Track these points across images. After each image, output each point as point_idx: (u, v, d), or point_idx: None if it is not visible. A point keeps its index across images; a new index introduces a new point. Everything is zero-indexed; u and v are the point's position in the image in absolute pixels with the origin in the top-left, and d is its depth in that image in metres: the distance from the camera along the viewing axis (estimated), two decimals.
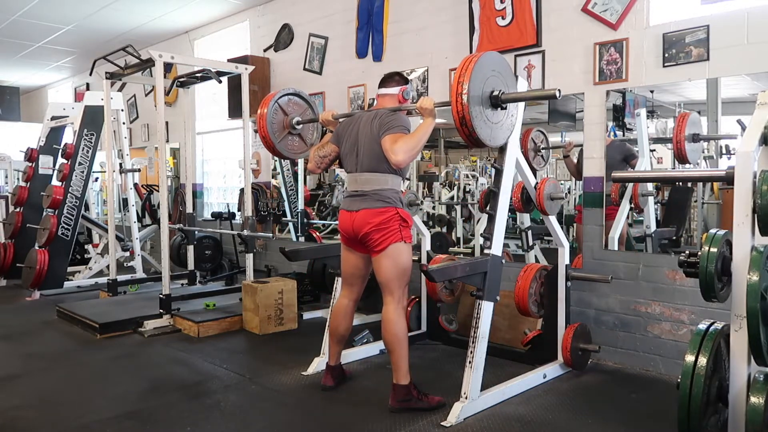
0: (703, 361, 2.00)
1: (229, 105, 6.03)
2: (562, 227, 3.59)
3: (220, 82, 5.17)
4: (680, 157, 3.39)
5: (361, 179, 3.05)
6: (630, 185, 3.70)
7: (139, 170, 7.34)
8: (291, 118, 3.61)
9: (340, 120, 3.34)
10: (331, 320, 3.39)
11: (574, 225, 4.19)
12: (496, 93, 2.65)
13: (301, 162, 6.06)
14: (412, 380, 2.98)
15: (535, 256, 4.35)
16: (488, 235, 3.03)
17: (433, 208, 5.15)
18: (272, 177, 6.26)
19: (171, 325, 4.62)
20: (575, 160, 4.00)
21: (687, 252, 2.16)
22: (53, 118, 7.02)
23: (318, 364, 3.55)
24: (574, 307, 3.73)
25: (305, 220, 6.02)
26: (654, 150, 3.77)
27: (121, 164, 6.80)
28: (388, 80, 3.21)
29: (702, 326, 2.13)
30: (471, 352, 2.89)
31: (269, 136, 3.51)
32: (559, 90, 2.67)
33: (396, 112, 3.04)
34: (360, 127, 3.10)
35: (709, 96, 3.40)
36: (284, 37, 6.05)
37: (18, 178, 7.64)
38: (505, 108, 2.73)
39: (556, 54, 3.97)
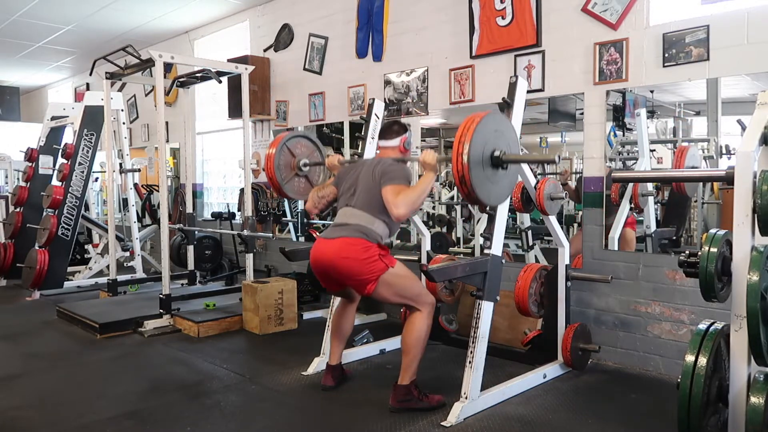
0: (703, 361, 2.00)
1: (229, 105, 6.03)
2: (562, 227, 3.59)
3: (220, 82, 5.17)
4: (679, 191, 3.46)
5: (349, 212, 3.04)
6: (630, 185, 3.70)
7: (139, 170, 7.34)
8: (298, 160, 3.66)
9: (346, 165, 3.38)
10: (333, 319, 3.40)
11: (574, 225, 4.19)
12: (497, 154, 2.62)
13: None
14: (414, 380, 2.98)
15: (535, 256, 4.35)
16: (488, 235, 3.03)
17: (433, 208, 5.15)
18: None
19: (171, 325, 4.62)
20: (573, 186, 4.02)
21: (687, 252, 2.15)
22: (53, 118, 7.02)
23: (318, 364, 3.55)
24: (574, 307, 3.73)
25: (305, 220, 6.02)
26: (654, 150, 3.77)
27: (121, 164, 6.80)
28: (387, 132, 3.24)
29: (702, 326, 2.13)
30: (471, 352, 2.89)
31: (275, 177, 3.53)
32: (558, 156, 2.77)
33: (398, 163, 3.07)
34: (362, 171, 3.12)
35: (709, 96, 3.40)
36: (284, 37, 6.05)
37: (18, 178, 7.64)
38: (506, 168, 2.73)
39: (556, 54, 3.97)
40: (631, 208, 3.78)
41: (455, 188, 5.12)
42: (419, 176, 3.06)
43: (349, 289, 3.20)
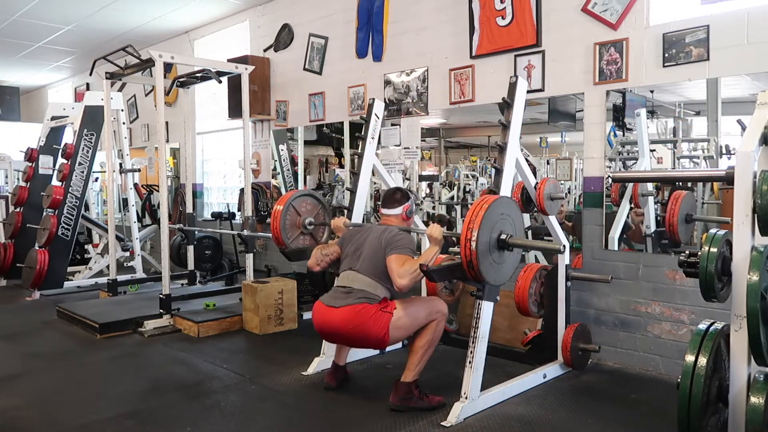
0: (703, 361, 2.00)
1: (229, 105, 6.02)
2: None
3: (220, 82, 5.17)
4: (672, 237, 3.46)
5: (353, 277, 3.08)
6: (630, 185, 3.70)
7: (139, 170, 7.34)
8: (303, 219, 3.69)
9: (350, 228, 3.42)
10: None
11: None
12: (503, 237, 2.72)
13: (300, 162, 6.07)
14: (416, 380, 2.98)
15: (535, 256, 4.35)
16: None
17: (433, 208, 5.15)
18: (272, 177, 6.26)
19: (171, 325, 4.62)
20: (570, 223, 4.03)
21: (687, 252, 2.16)
22: (53, 118, 7.02)
23: (318, 364, 3.55)
24: (574, 307, 3.73)
25: None
26: (654, 150, 3.77)
27: (121, 164, 6.80)
28: (389, 200, 3.30)
29: (702, 326, 2.13)
30: (471, 352, 2.89)
31: (281, 237, 3.58)
32: (564, 246, 2.92)
33: (404, 233, 3.13)
34: (369, 236, 3.15)
35: (709, 96, 3.40)
36: (284, 37, 6.05)
37: (18, 178, 7.64)
38: (511, 250, 2.79)
39: (556, 54, 3.97)
40: (631, 208, 3.78)
41: (455, 188, 5.12)
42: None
43: None
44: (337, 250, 3.31)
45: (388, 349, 3.96)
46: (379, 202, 3.49)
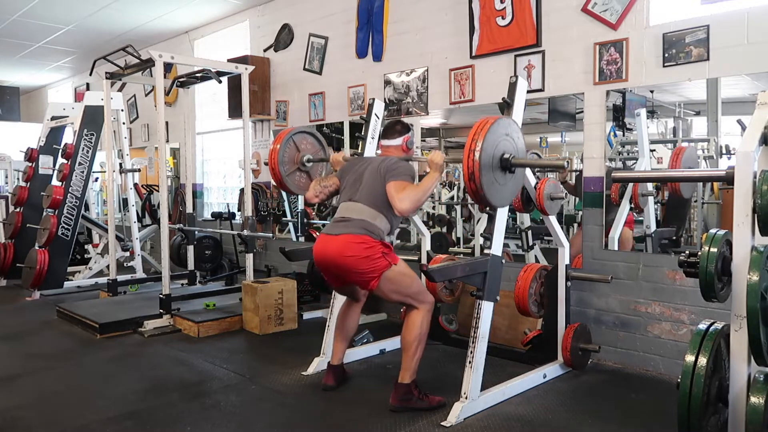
0: (703, 361, 2.00)
1: (229, 105, 6.03)
2: (561, 227, 3.59)
3: (220, 82, 5.17)
4: (674, 192, 3.46)
5: (352, 207, 3.05)
6: (630, 185, 3.70)
7: (139, 170, 7.34)
8: (302, 155, 3.68)
9: (350, 160, 3.40)
10: (337, 318, 3.40)
11: (574, 225, 4.19)
12: (506, 156, 2.70)
13: None
14: (415, 380, 2.98)
15: (535, 256, 4.35)
16: (488, 235, 3.03)
17: (433, 208, 5.15)
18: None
19: (171, 325, 4.62)
20: (573, 183, 4.02)
21: (687, 252, 2.15)
22: (53, 118, 7.02)
23: (318, 364, 3.55)
24: (574, 307, 3.73)
25: (305, 220, 6.02)
26: (654, 150, 3.77)
27: (121, 164, 6.80)
28: (390, 131, 3.26)
29: (702, 326, 2.13)
30: (471, 352, 2.89)
31: (278, 168, 3.56)
32: (568, 161, 2.83)
33: (404, 161, 3.09)
34: (368, 166, 3.13)
35: (709, 96, 3.40)
36: (284, 37, 6.05)
37: (18, 178, 7.64)
38: (513, 172, 2.78)
39: (556, 54, 3.97)
40: (631, 208, 3.78)
41: (455, 188, 5.12)
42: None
43: (353, 287, 3.21)
44: (336, 181, 3.26)
45: (388, 348, 3.97)
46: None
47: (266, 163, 3.65)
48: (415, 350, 2.95)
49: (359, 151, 3.82)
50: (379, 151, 3.36)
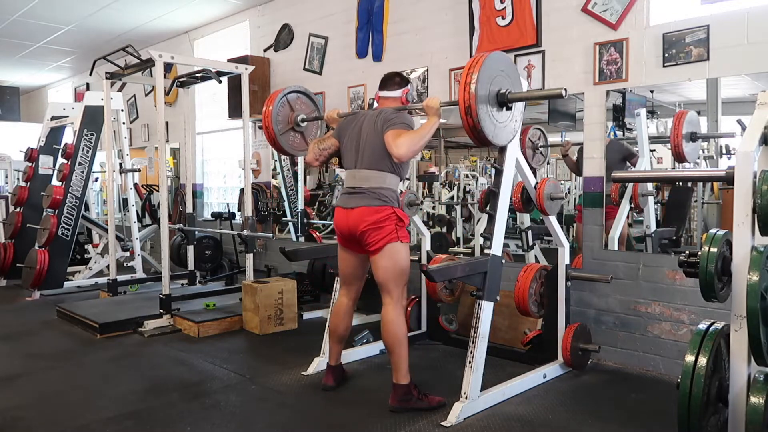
0: (703, 361, 2.00)
1: (229, 105, 6.03)
2: (562, 227, 3.59)
3: (220, 82, 5.17)
4: (678, 156, 3.39)
5: (360, 176, 3.05)
6: (630, 185, 3.70)
7: (139, 170, 7.34)
8: (296, 115, 3.64)
9: (344, 117, 3.34)
10: (331, 320, 3.39)
11: (574, 225, 4.19)
12: (503, 91, 2.66)
13: (301, 161, 6.06)
14: (413, 380, 2.98)
15: (535, 256, 4.35)
16: (488, 235, 3.03)
17: (433, 208, 5.15)
18: (272, 177, 6.26)
19: (171, 325, 4.62)
20: (574, 158, 3.99)
21: (687, 252, 2.15)
22: (53, 118, 7.02)
23: (318, 364, 3.55)
24: (574, 307, 3.73)
25: (305, 220, 6.02)
26: (654, 150, 3.77)
27: (121, 164, 6.80)
28: (388, 82, 3.20)
29: (702, 326, 2.13)
30: (471, 352, 2.89)
31: (272, 126, 3.51)
32: (565, 89, 2.68)
33: (400, 111, 3.06)
34: (363, 123, 3.10)
35: (709, 96, 3.40)
36: (284, 37, 6.05)
37: (18, 178, 7.64)
38: (510, 109, 2.74)
39: (556, 54, 3.97)
40: (631, 208, 3.78)
41: (455, 188, 5.12)
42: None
43: (356, 274, 3.23)
44: (335, 142, 3.23)
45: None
46: None
47: (260, 126, 3.59)
48: (399, 350, 2.95)
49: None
50: (376, 105, 3.30)
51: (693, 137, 3.39)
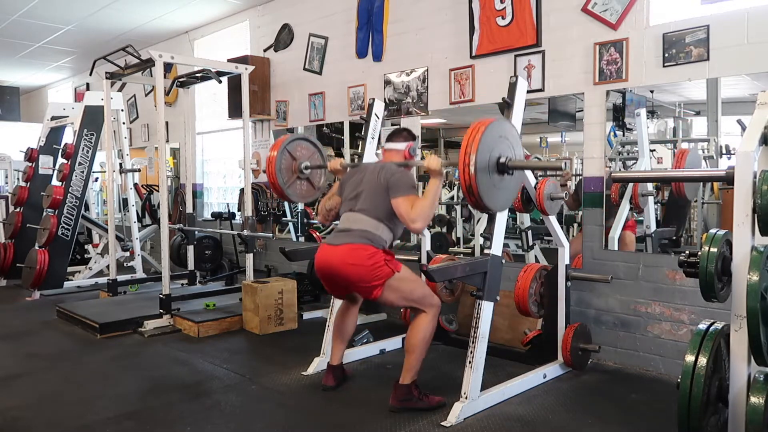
0: (703, 361, 2.00)
1: (229, 105, 6.03)
2: (561, 227, 3.59)
3: (220, 82, 5.17)
4: (678, 194, 3.42)
5: (353, 218, 3.05)
6: (630, 185, 3.70)
7: (139, 170, 7.34)
8: (300, 163, 3.65)
9: (348, 169, 3.40)
10: (335, 319, 3.40)
11: (574, 225, 4.18)
12: (503, 160, 2.65)
13: None
14: (415, 380, 2.98)
15: (535, 256, 4.35)
16: (488, 235, 3.03)
17: None
18: None
19: (171, 325, 4.62)
20: (572, 190, 3.98)
21: (687, 252, 2.15)
22: (53, 118, 7.02)
23: (318, 364, 3.55)
24: (574, 307, 3.73)
25: (305, 220, 6.02)
26: (654, 150, 3.77)
27: (121, 164, 6.80)
28: (396, 135, 3.26)
29: (702, 326, 2.13)
30: (471, 352, 2.89)
31: (278, 182, 3.53)
32: (565, 162, 2.70)
33: (402, 169, 3.08)
34: (366, 175, 3.13)
35: (709, 96, 3.40)
36: (284, 37, 6.05)
37: (18, 178, 7.64)
38: (512, 173, 2.75)
39: (556, 54, 3.97)
40: (631, 209, 3.78)
41: (455, 188, 5.12)
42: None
43: (353, 293, 3.21)
44: (339, 200, 3.27)
45: (388, 348, 3.97)
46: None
47: (264, 171, 3.61)
48: (420, 353, 2.97)
49: (359, 151, 3.82)
50: (379, 151, 3.34)
51: None
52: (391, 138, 3.27)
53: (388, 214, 2.98)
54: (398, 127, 3.32)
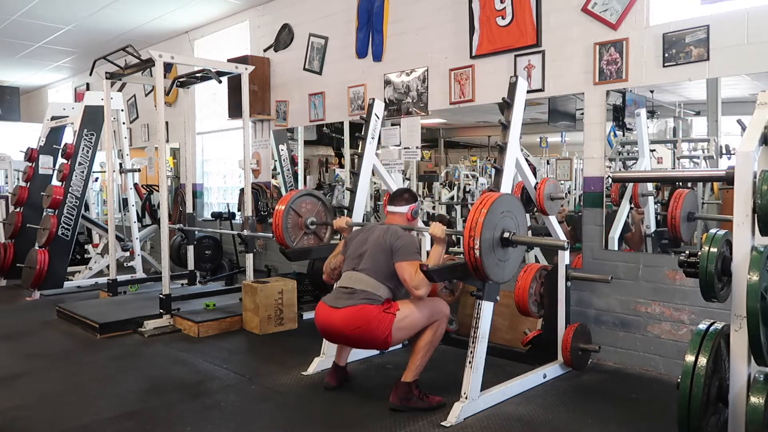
0: (703, 361, 2.00)
1: (229, 105, 6.03)
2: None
3: (220, 82, 5.17)
4: (674, 235, 3.42)
5: (355, 277, 3.08)
6: (630, 185, 3.70)
7: (139, 170, 7.33)
8: (305, 219, 3.69)
9: (354, 228, 3.45)
10: None
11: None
12: (506, 236, 2.72)
13: (300, 162, 6.07)
14: (416, 380, 2.98)
15: (535, 256, 4.35)
16: None
17: (433, 208, 5.15)
18: (272, 177, 6.26)
19: (171, 325, 4.62)
20: (568, 226, 3.98)
21: (687, 252, 2.16)
22: (53, 118, 7.02)
23: (318, 364, 3.55)
24: (574, 307, 3.73)
25: None
26: (654, 150, 3.77)
27: (121, 164, 6.80)
28: (397, 198, 3.33)
29: (702, 326, 2.13)
30: (471, 352, 2.89)
31: (285, 240, 3.59)
32: (567, 242, 2.90)
33: (407, 233, 3.14)
34: (371, 236, 3.16)
35: (709, 96, 3.40)
36: (284, 37, 6.05)
37: (18, 178, 7.64)
38: (516, 246, 2.79)
39: (556, 54, 3.97)
40: (631, 209, 3.78)
41: (455, 188, 5.12)
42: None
43: None
44: (342, 259, 3.31)
45: (389, 348, 3.96)
46: (380, 203, 3.50)
47: (273, 234, 3.71)
48: (425, 354, 2.99)
49: (359, 151, 3.82)
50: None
51: (690, 217, 3.43)
52: (393, 201, 3.34)
53: (390, 275, 3.02)
54: (400, 188, 3.43)
